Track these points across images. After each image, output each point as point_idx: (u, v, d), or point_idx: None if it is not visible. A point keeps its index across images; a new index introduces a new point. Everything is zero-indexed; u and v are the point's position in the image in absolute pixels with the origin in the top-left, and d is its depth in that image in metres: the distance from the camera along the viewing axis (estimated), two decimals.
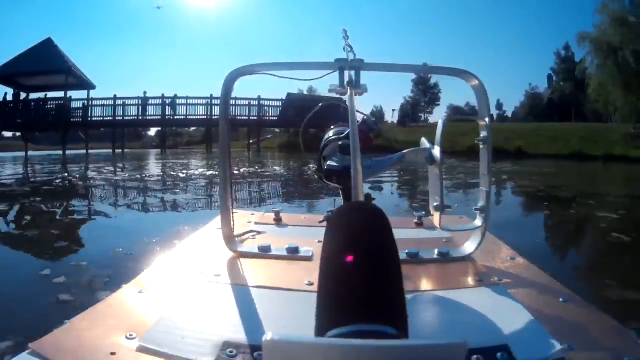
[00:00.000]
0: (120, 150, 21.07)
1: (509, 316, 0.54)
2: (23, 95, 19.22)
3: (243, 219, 1.01)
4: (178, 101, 19.49)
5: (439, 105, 46.61)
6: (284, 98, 21.18)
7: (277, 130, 25.81)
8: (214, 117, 18.08)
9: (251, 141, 23.24)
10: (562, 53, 34.36)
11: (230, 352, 0.45)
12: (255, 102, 19.88)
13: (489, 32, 76.29)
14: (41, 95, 19.25)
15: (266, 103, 20.35)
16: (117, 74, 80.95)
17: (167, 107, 19.27)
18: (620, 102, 18.08)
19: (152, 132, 42.35)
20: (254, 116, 20.37)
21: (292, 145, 20.05)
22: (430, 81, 43.84)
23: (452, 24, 79.14)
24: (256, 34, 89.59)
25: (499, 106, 44.13)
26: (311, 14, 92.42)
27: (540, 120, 28.48)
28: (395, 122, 25.63)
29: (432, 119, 43.11)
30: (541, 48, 65.08)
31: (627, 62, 17.21)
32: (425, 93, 45.38)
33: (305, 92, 25.73)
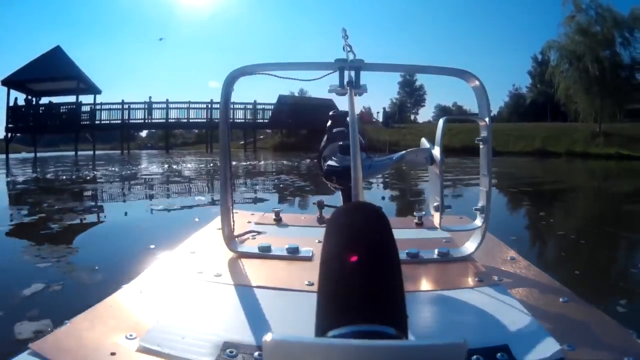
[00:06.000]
0: (126, 151, 21.99)
1: (509, 316, 0.52)
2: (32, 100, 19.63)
3: (243, 219, 0.99)
4: (180, 105, 20.23)
5: (424, 106, 47.25)
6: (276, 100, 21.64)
7: (268, 131, 25.97)
8: (214, 120, 19.05)
9: (243, 142, 23.48)
10: (539, 57, 34.92)
11: (230, 352, 0.43)
12: (250, 106, 20.57)
13: (475, 34, 77.02)
14: (49, 99, 19.78)
15: (259, 107, 21.00)
16: (119, 78, 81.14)
17: (169, 110, 20.04)
18: (582, 104, 19.02)
19: (144, 134, 43.11)
20: (249, 119, 20.80)
21: (285, 145, 20.27)
22: (416, 83, 44.41)
23: (440, 25, 79.81)
24: (252, 36, 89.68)
25: None
26: (306, 15, 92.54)
27: (522, 120, 28.99)
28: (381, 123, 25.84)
29: (418, 120, 43.69)
30: (526, 49, 65.77)
31: (587, 69, 18.05)
32: (411, 95, 45.79)
33: (296, 94, 25.96)
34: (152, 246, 2.30)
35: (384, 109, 29.81)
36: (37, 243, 2.63)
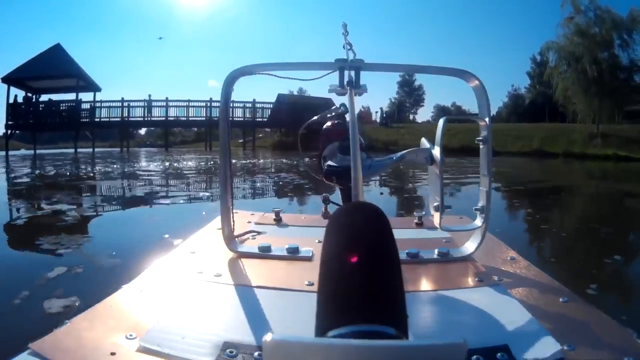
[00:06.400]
0: (125, 148, 22.27)
1: (509, 316, 0.52)
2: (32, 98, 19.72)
3: (243, 219, 0.99)
4: (180, 104, 20.35)
5: (422, 106, 47.36)
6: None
7: (267, 130, 26.01)
8: (213, 118, 19.25)
9: (242, 141, 23.55)
10: (538, 58, 34.76)
11: (230, 352, 0.43)
12: (249, 105, 20.67)
13: (474, 34, 76.99)
14: (49, 97, 19.85)
15: (258, 105, 21.12)
16: (119, 76, 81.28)
17: (169, 108, 20.15)
18: (581, 105, 19.08)
19: (142, 131, 43.30)
20: (248, 118, 20.89)
21: (284, 144, 20.34)
22: (415, 83, 44.47)
23: (439, 25, 79.84)
24: (251, 36, 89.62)
25: None
26: (305, 15, 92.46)
27: (521, 120, 29.01)
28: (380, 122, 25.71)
29: (417, 119, 43.81)
30: (525, 50, 65.80)
31: (586, 70, 18.09)
32: (410, 94, 45.82)
33: (295, 93, 26.00)
34: (167, 235, 2.49)
35: (381, 109, 29.76)
36: (55, 233, 2.76)
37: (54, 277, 1.82)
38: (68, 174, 7.82)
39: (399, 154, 0.74)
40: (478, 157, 0.74)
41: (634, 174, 10.37)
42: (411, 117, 45.30)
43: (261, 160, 12.32)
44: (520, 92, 41.50)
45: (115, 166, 10.01)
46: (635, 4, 20.04)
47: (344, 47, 0.73)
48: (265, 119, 21.83)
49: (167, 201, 4.51)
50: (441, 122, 0.72)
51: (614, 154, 15.19)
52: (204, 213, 3.44)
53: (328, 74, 0.68)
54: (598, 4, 18.33)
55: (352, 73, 0.67)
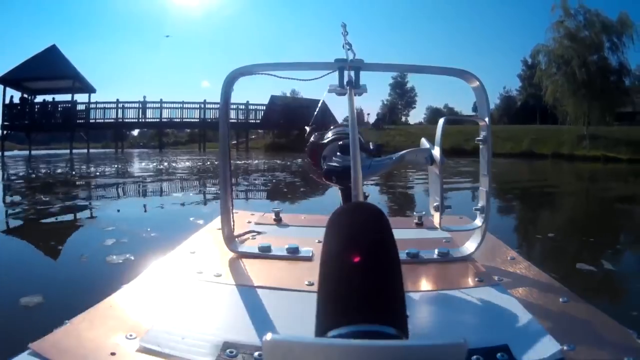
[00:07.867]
0: (120, 149, 22.33)
1: (509, 316, 0.52)
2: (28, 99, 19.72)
3: (243, 219, 0.98)
4: (174, 105, 20.48)
5: (415, 107, 47.58)
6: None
7: (260, 131, 25.96)
8: (207, 120, 19.79)
9: (234, 142, 23.53)
10: (529, 60, 34.85)
11: (230, 352, 0.42)
12: (242, 106, 20.82)
13: (467, 36, 77.25)
14: (44, 98, 19.84)
15: (251, 107, 21.32)
16: (114, 78, 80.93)
17: (163, 109, 20.27)
18: (570, 108, 19.08)
19: (135, 132, 43.33)
20: (241, 119, 20.97)
21: (277, 145, 20.35)
22: (407, 85, 44.58)
23: (435, 26, 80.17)
24: (246, 36, 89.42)
25: (475, 108, 45.05)
26: (301, 14, 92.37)
27: (513, 122, 29.18)
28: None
29: (410, 121, 44.01)
30: (518, 51, 66.00)
31: (575, 73, 18.13)
32: (402, 96, 45.89)
33: (288, 94, 26.00)
34: (192, 218, 2.92)
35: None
36: (93, 218, 3.33)
37: (108, 245, 2.27)
38: (74, 173, 8.09)
39: (399, 154, 0.73)
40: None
41: (616, 174, 10.44)
42: (403, 119, 45.30)
43: (255, 161, 12.44)
44: (512, 94, 41.60)
45: (117, 166, 10.26)
46: (624, 7, 20.22)
47: (343, 47, 0.73)
48: (259, 121, 21.83)
49: (180, 194, 4.94)
50: (441, 122, 0.72)
51: (602, 155, 15.26)
52: (214, 202, 3.84)
53: (328, 74, 0.68)
54: (588, 7, 18.47)
55: (352, 73, 0.67)
